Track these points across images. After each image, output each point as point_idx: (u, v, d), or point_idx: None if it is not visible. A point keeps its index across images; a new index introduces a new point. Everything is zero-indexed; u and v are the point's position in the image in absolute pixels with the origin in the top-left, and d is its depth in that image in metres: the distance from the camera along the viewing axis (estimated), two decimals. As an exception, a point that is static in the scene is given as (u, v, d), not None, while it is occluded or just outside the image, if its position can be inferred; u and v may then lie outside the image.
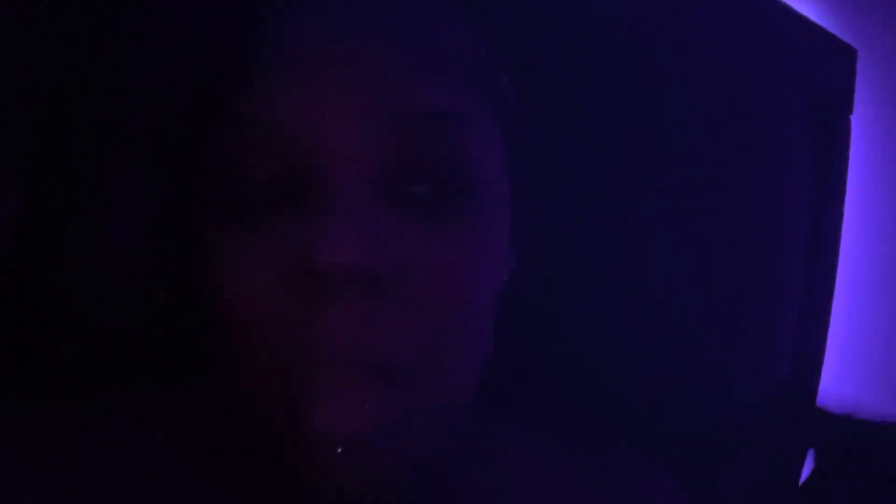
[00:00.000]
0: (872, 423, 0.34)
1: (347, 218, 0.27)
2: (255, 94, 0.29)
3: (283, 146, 0.29)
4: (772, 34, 0.67)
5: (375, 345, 0.28)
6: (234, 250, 0.29)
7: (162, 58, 0.38)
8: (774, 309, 0.68)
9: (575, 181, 0.52)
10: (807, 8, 0.69)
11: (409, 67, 0.30)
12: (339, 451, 0.28)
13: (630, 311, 0.55)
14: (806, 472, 0.35)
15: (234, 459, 0.33)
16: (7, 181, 0.38)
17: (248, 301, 0.29)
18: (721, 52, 0.63)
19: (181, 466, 0.33)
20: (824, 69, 0.70)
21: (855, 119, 0.70)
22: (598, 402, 0.51)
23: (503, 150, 0.34)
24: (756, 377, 0.65)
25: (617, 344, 0.54)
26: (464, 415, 0.34)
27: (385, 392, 0.28)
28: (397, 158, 0.29)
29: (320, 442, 0.28)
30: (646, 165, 0.57)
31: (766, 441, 0.35)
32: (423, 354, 0.29)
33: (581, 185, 0.52)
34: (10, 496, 0.30)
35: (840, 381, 0.71)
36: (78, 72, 0.38)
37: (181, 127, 0.34)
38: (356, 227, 0.27)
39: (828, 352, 0.69)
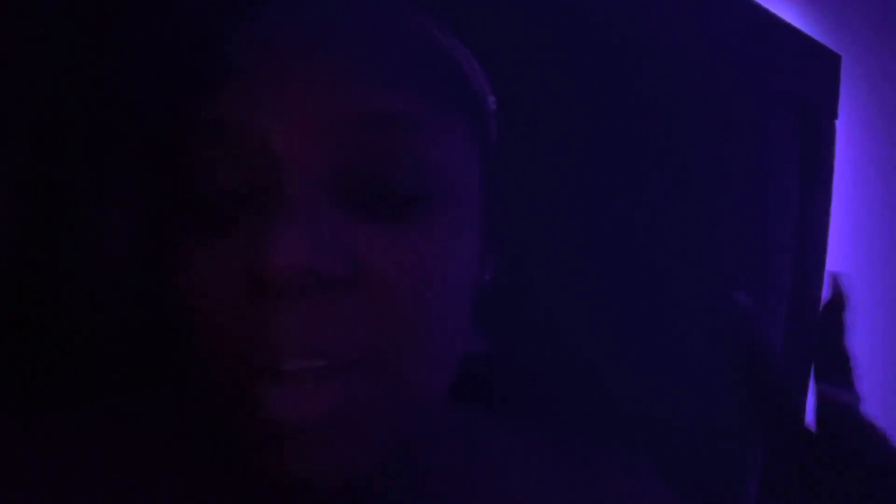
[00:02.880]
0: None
1: (298, 221, 0.28)
2: (213, 99, 0.30)
3: (239, 151, 0.29)
4: (758, 42, 0.68)
5: (332, 343, 0.28)
6: (195, 254, 0.30)
7: (127, 64, 0.38)
8: (763, 308, 0.69)
9: (559, 185, 0.52)
10: (792, 16, 0.71)
11: (365, 71, 0.30)
12: (302, 436, 0.28)
13: (616, 312, 0.56)
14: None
15: (212, 459, 0.34)
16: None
17: (206, 305, 0.29)
18: (707, 60, 0.64)
19: (163, 469, 0.33)
20: (809, 75, 0.71)
21: (839, 124, 0.72)
22: (585, 401, 0.52)
23: (474, 153, 0.34)
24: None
25: (603, 343, 0.54)
26: (434, 409, 0.34)
27: (345, 382, 0.29)
28: (352, 161, 0.29)
29: (283, 432, 0.28)
30: (631, 171, 0.58)
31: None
32: (384, 352, 0.29)
33: (564, 189, 0.53)
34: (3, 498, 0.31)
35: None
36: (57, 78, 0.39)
37: (146, 132, 0.35)
38: (306, 231, 0.27)
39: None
